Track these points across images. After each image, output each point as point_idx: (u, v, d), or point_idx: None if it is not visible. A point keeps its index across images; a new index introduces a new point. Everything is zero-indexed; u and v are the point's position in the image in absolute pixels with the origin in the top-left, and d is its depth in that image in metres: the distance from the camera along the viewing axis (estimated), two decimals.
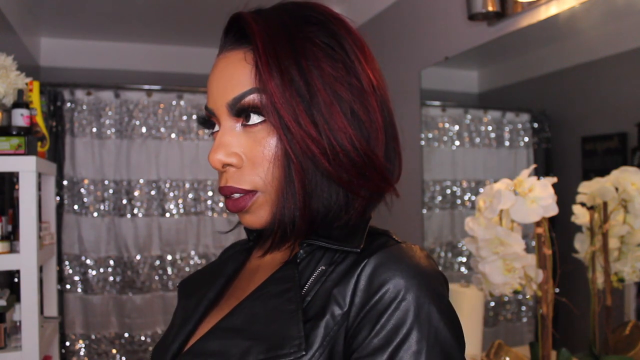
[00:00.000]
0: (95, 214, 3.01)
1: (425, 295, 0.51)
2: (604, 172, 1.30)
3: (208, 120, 0.64)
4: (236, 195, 0.59)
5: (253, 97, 0.56)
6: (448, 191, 2.19)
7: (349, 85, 0.57)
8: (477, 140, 2.08)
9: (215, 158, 0.58)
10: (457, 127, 2.18)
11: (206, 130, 0.66)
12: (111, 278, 3.02)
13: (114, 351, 3.00)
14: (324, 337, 0.52)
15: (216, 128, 0.62)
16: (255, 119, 0.57)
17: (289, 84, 0.55)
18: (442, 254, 2.21)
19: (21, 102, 1.63)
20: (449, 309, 0.54)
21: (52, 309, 2.09)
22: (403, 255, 0.54)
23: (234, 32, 0.60)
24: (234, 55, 0.59)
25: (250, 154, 0.58)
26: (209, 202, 3.18)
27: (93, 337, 2.97)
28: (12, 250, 1.59)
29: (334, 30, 0.59)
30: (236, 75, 0.58)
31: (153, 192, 3.10)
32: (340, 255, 0.57)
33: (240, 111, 0.58)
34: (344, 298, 0.53)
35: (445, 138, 2.20)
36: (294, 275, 0.56)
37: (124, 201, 3.05)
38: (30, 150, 1.57)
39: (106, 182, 3.03)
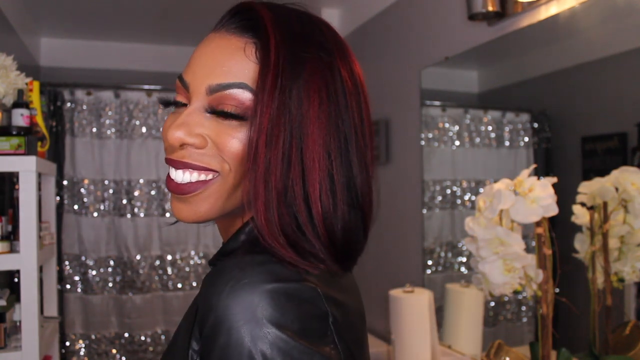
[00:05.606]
0: (95, 214, 3.01)
1: (239, 319, 0.45)
2: (604, 172, 1.30)
3: (171, 100, 0.60)
4: (187, 178, 0.54)
5: (239, 92, 0.53)
6: (448, 191, 2.19)
7: (338, 126, 0.54)
8: (477, 140, 2.08)
9: (174, 135, 0.53)
10: (457, 127, 2.17)
11: (163, 107, 0.60)
12: (111, 278, 3.02)
13: (114, 351, 2.99)
14: None
15: (171, 108, 0.59)
16: (231, 114, 0.53)
17: (284, 105, 0.52)
18: (442, 254, 2.21)
19: (21, 102, 1.63)
20: (282, 334, 0.45)
21: (52, 309, 2.09)
22: (225, 271, 0.49)
23: (241, 18, 0.57)
24: (234, 41, 0.55)
25: (218, 139, 0.54)
26: None
27: (93, 337, 2.97)
28: (12, 250, 1.59)
29: (337, 62, 0.56)
30: (229, 62, 0.54)
31: (153, 192, 3.10)
32: None
33: (219, 100, 0.53)
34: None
35: (445, 138, 2.20)
36: (192, 312, 0.52)
37: (124, 201, 3.05)
38: (30, 150, 1.57)
39: (106, 182, 3.03)
